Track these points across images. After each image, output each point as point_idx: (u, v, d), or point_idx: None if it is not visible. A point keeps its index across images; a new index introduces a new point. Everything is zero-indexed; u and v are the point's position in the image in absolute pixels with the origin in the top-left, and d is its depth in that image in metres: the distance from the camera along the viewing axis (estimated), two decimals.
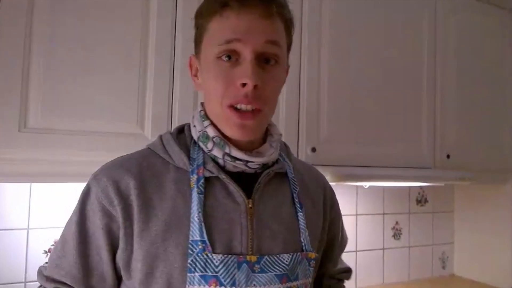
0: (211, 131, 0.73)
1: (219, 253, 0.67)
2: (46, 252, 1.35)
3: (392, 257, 2.06)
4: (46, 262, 0.77)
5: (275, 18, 0.70)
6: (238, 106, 0.68)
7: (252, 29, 0.67)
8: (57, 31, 1.09)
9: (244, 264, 0.68)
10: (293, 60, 1.41)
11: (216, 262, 0.66)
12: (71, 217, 0.74)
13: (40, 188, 1.36)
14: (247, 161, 0.73)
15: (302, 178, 0.86)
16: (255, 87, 0.67)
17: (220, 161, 0.73)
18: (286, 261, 0.71)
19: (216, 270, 0.66)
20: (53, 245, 1.35)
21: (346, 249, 1.02)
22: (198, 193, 0.69)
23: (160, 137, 0.79)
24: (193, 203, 0.69)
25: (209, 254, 0.66)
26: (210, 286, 0.65)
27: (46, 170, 1.09)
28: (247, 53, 0.67)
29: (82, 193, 0.73)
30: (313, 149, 1.40)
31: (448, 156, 1.71)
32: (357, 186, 1.95)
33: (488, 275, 2.06)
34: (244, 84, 0.67)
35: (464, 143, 1.79)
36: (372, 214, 2.02)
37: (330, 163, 1.43)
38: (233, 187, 0.72)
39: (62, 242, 0.73)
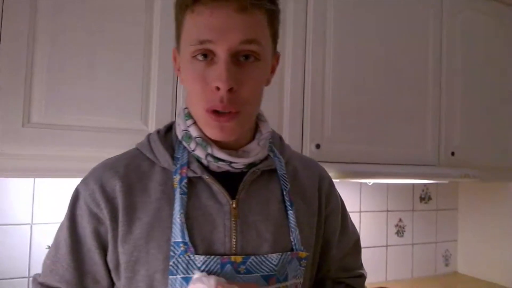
0: (193, 131, 0.71)
1: (201, 254, 0.65)
2: (49, 247, 1.34)
3: (395, 254, 2.06)
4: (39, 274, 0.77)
5: (252, 10, 0.64)
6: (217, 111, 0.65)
7: (226, 27, 0.62)
8: (61, 27, 1.09)
9: (228, 265, 0.66)
10: (297, 56, 1.40)
11: (199, 263, 0.65)
12: (62, 221, 0.74)
13: (44, 184, 1.36)
14: (231, 162, 0.70)
15: (296, 173, 0.82)
16: (230, 90, 0.63)
17: (204, 161, 0.71)
18: (274, 261, 0.69)
19: (200, 271, 0.65)
20: None
21: None
22: (181, 194, 0.68)
23: (148, 136, 0.77)
24: (176, 204, 0.68)
25: (191, 256, 0.65)
26: None
27: (50, 166, 1.09)
28: (221, 53, 0.63)
29: (71, 197, 0.73)
30: (317, 146, 1.40)
31: (452, 154, 1.70)
32: (361, 183, 1.94)
33: (492, 273, 2.05)
34: (218, 88, 0.63)
35: (469, 140, 1.78)
36: (376, 211, 2.01)
37: (334, 160, 1.43)
38: (216, 187, 0.70)
39: (55, 248, 0.73)
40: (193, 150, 0.71)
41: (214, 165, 0.71)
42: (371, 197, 2.00)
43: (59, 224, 1.35)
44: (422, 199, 2.16)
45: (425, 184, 2.15)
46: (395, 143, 1.59)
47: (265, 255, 0.69)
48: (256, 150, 0.73)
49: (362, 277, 0.92)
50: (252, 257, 0.68)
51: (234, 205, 0.70)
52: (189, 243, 0.65)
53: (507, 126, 1.91)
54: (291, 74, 1.38)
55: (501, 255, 2.01)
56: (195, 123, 0.71)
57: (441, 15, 1.73)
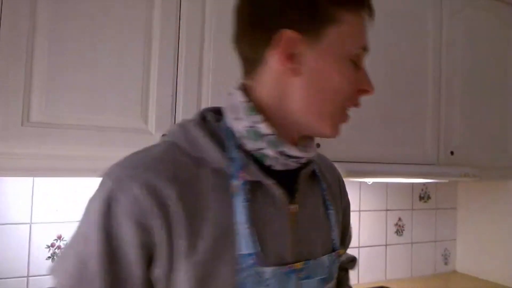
0: (265, 128, 0.63)
1: (270, 266, 0.61)
2: (48, 246, 1.35)
3: (395, 253, 2.06)
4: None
5: None
6: (348, 109, 0.69)
7: None
8: (60, 26, 1.08)
9: (292, 274, 0.63)
10: None
11: (268, 275, 0.61)
12: (84, 233, 0.59)
13: (43, 183, 1.36)
14: (301, 158, 0.67)
15: (322, 172, 0.80)
16: None
17: (269, 160, 0.65)
18: (326, 263, 0.69)
19: (267, 283, 0.61)
20: (55, 239, 1.35)
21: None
22: (244, 201, 0.61)
23: (184, 128, 0.65)
24: (238, 212, 0.61)
25: (260, 268, 0.60)
26: None
27: (49, 165, 1.08)
28: (363, 61, 0.69)
29: (100, 203, 0.58)
30: (317, 145, 1.40)
31: (452, 153, 1.70)
32: (360, 182, 1.94)
33: (491, 272, 2.06)
34: (362, 91, 0.69)
35: (468, 140, 1.78)
36: (375, 210, 2.02)
37: (334, 159, 1.39)
38: (277, 192, 0.65)
39: (77, 265, 0.58)
40: (260, 149, 0.64)
41: (282, 164, 0.65)
42: (371, 196, 2.00)
43: (58, 224, 1.35)
44: (421, 198, 2.16)
45: (424, 183, 2.16)
46: (394, 142, 1.59)
47: (318, 258, 0.68)
48: (312, 144, 0.71)
49: (355, 260, 0.97)
50: (310, 261, 0.66)
51: (294, 210, 0.67)
52: (258, 254, 0.60)
53: (507, 126, 1.92)
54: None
55: (500, 253, 2.02)
56: (266, 120, 0.63)
57: (441, 15, 1.73)
